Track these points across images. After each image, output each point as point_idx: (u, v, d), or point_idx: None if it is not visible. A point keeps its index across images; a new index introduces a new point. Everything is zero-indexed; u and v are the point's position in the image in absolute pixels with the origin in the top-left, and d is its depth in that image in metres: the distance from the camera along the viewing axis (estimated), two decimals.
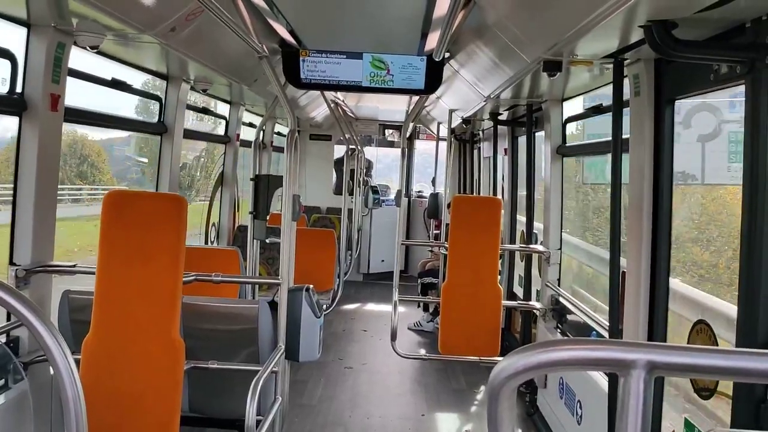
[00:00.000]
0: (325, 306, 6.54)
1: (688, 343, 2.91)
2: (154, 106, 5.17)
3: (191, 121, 6.11)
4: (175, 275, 3.30)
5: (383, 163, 15.13)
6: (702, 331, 2.80)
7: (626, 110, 3.51)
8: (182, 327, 3.44)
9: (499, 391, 0.98)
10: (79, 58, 3.63)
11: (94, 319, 3.27)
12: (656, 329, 3.29)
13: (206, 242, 6.91)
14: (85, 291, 3.50)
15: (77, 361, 3.21)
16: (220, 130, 6.86)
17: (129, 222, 3.28)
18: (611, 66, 3.42)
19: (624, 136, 3.48)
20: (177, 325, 3.32)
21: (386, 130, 12.95)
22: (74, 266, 3.61)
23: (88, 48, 3.46)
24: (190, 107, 5.53)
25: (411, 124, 10.04)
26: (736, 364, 0.89)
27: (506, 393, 0.98)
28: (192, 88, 5.26)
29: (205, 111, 6.31)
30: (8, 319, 3.30)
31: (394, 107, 9.33)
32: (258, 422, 3.31)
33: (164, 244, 3.28)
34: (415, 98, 6.37)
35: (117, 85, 4.44)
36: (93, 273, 3.32)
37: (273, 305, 3.81)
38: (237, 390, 3.53)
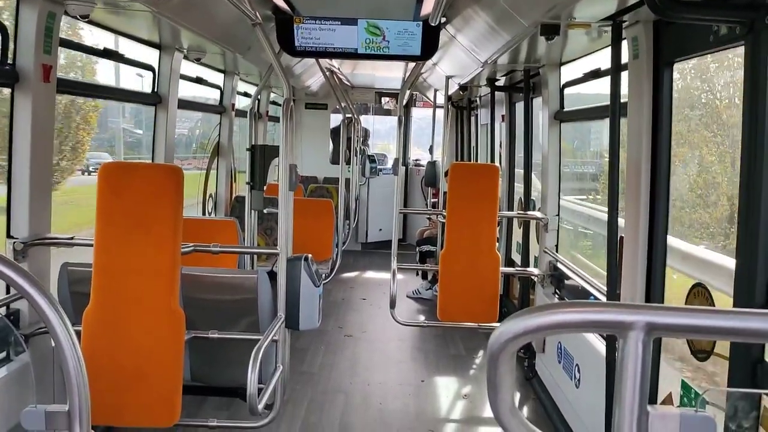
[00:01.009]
0: (324, 275, 6.57)
1: (686, 304, 2.93)
2: None
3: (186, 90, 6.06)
4: (174, 246, 3.30)
5: (380, 130, 15.07)
6: (699, 294, 2.81)
7: (624, 74, 3.48)
8: (182, 298, 3.46)
9: (499, 355, 0.98)
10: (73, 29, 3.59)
11: (94, 291, 3.28)
12: (654, 293, 3.30)
13: (204, 213, 6.90)
14: (84, 263, 3.51)
15: (78, 333, 3.23)
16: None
17: (125, 193, 3.27)
18: (609, 29, 3.38)
19: (622, 101, 3.46)
20: (176, 295, 3.33)
21: (383, 98, 12.86)
22: (72, 238, 3.61)
23: (78, 17, 3.42)
24: (183, 77, 5.48)
25: (407, 92, 9.94)
26: (734, 324, 0.89)
27: (506, 356, 0.98)
28: (185, 57, 5.20)
29: (199, 81, 6.25)
30: (8, 292, 3.31)
31: (390, 74, 9.24)
32: (259, 390, 3.34)
33: (161, 214, 3.28)
34: (412, 65, 6.30)
35: (109, 54, 4.39)
36: (91, 245, 3.32)
37: (272, 275, 3.82)
38: (238, 359, 3.56)
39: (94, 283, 3.28)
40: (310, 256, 3.88)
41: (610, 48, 3.47)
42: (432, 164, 10.27)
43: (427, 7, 4.15)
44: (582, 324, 0.95)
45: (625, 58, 3.43)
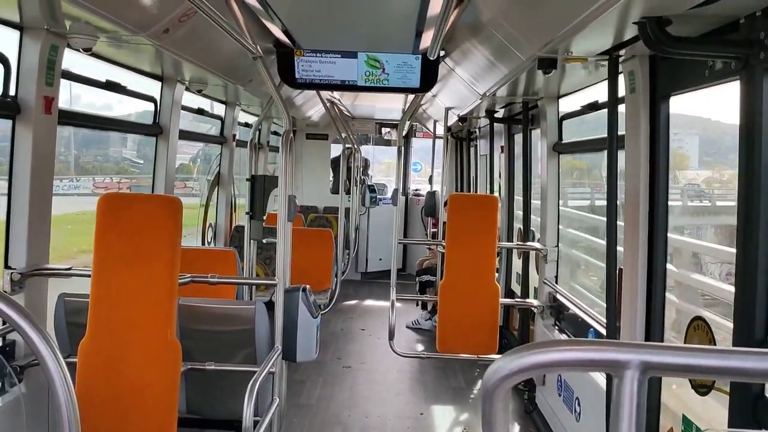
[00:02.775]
0: (322, 305, 6.55)
1: (685, 340, 2.91)
2: None
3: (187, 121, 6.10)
4: (171, 277, 3.29)
5: (380, 161, 15.14)
6: (699, 328, 2.79)
7: (621, 107, 3.50)
8: (179, 329, 3.44)
9: (493, 392, 0.97)
10: (75, 61, 3.63)
11: (90, 322, 3.26)
12: (653, 326, 3.29)
13: (203, 243, 6.90)
14: (81, 294, 3.49)
15: (74, 364, 3.20)
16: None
17: (124, 224, 3.27)
18: (606, 63, 3.42)
19: (620, 133, 3.48)
20: (173, 327, 3.31)
21: (383, 129, 12.94)
22: (70, 269, 3.61)
23: (81, 50, 3.46)
24: (185, 108, 5.52)
25: (407, 123, 10.02)
26: (732, 364, 0.88)
27: (500, 394, 0.97)
28: (187, 89, 5.25)
29: (200, 112, 6.30)
30: (3, 323, 3.29)
31: (390, 105, 9.32)
32: (255, 423, 3.30)
33: (160, 246, 3.27)
34: (411, 96, 6.36)
35: (111, 86, 4.43)
36: (89, 276, 3.31)
37: (270, 305, 3.80)
38: (234, 391, 3.52)
39: (90, 314, 3.26)
40: (308, 287, 3.87)
41: (607, 81, 3.50)
42: (432, 194, 10.30)
43: (426, 41, 4.20)
44: (576, 363, 0.95)
45: (622, 91, 3.46)
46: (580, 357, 0.93)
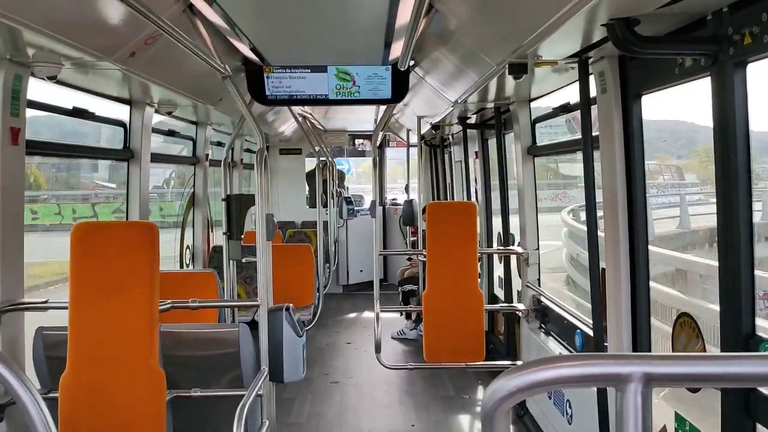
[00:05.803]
0: (306, 321, 6.49)
1: (672, 335, 2.92)
2: None
3: (157, 143, 6.03)
4: (151, 304, 3.22)
5: (356, 172, 15.12)
6: (686, 324, 2.80)
7: (595, 108, 3.52)
8: (161, 356, 3.37)
9: (493, 414, 0.95)
10: (39, 89, 3.56)
11: (70, 355, 3.18)
12: (640, 323, 3.30)
13: (182, 266, 6.80)
14: (60, 327, 3.41)
15: (55, 400, 3.12)
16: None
17: (99, 253, 3.20)
18: (576, 65, 3.43)
19: (594, 134, 3.50)
20: (156, 355, 3.25)
21: (356, 140, 12.93)
22: (46, 302, 3.52)
23: (46, 78, 3.39)
24: (156, 131, 5.45)
25: (381, 133, 10.02)
26: (734, 370, 0.87)
27: (500, 415, 0.95)
28: (156, 111, 5.18)
29: (171, 133, 6.23)
30: None
31: (362, 116, 9.31)
32: None
33: (137, 273, 3.21)
34: (383, 107, 6.35)
35: (79, 113, 4.35)
36: (66, 308, 3.23)
37: (253, 324, 3.75)
38: (223, 416, 3.46)
39: (70, 347, 3.18)
40: (291, 305, 3.82)
41: (578, 83, 3.51)
42: (409, 203, 10.28)
43: (396, 52, 4.20)
44: (577, 379, 0.92)
45: (594, 92, 3.48)
46: (580, 373, 0.91)
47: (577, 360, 0.92)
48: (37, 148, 3.95)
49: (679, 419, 2.86)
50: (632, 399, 0.88)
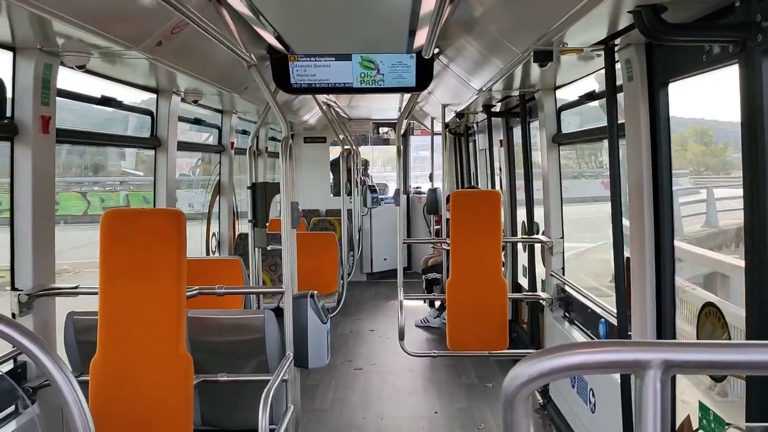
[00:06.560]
0: (330, 309, 6.54)
1: (697, 325, 2.90)
2: None
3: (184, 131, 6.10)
4: (178, 291, 3.28)
5: (380, 160, 15.13)
6: (711, 314, 2.78)
7: (621, 95, 3.49)
8: (189, 341, 3.43)
9: (513, 399, 0.96)
10: (69, 78, 3.62)
11: (100, 340, 3.25)
12: (665, 313, 3.27)
13: (207, 253, 6.89)
14: (90, 312, 3.49)
15: (86, 383, 3.20)
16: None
17: (128, 240, 3.26)
18: (602, 53, 3.40)
19: (620, 121, 3.46)
20: (183, 340, 3.31)
21: (380, 128, 12.93)
22: (77, 287, 3.60)
23: (75, 67, 3.45)
24: (182, 119, 5.51)
25: (405, 121, 10.00)
26: (755, 358, 0.87)
27: (521, 400, 0.96)
28: (183, 100, 5.24)
29: (197, 122, 6.29)
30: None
31: (386, 105, 9.30)
32: (271, 431, 3.30)
33: (165, 260, 3.26)
34: (407, 95, 6.34)
35: (107, 102, 4.42)
36: (96, 294, 3.30)
37: (278, 311, 3.80)
38: (248, 401, 3.52)
39: (100, 332, 3.25)
40: (315, 292, 3.86)
41: (604, 71, 3.48)
42: (433, 191, 10.27)
43: (420, 40, 4.19)
44: (596, 365, 0.93)
45: (620, 80, 3.44)
46: (600, 359, 0.92)
47: (597, 347, 0.93)
48: (67, 136, 4.02)
49: (703, 408, 2.85)
50: (651, 386, 0.89)
